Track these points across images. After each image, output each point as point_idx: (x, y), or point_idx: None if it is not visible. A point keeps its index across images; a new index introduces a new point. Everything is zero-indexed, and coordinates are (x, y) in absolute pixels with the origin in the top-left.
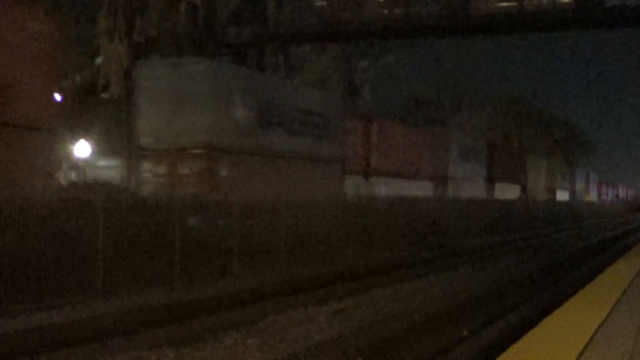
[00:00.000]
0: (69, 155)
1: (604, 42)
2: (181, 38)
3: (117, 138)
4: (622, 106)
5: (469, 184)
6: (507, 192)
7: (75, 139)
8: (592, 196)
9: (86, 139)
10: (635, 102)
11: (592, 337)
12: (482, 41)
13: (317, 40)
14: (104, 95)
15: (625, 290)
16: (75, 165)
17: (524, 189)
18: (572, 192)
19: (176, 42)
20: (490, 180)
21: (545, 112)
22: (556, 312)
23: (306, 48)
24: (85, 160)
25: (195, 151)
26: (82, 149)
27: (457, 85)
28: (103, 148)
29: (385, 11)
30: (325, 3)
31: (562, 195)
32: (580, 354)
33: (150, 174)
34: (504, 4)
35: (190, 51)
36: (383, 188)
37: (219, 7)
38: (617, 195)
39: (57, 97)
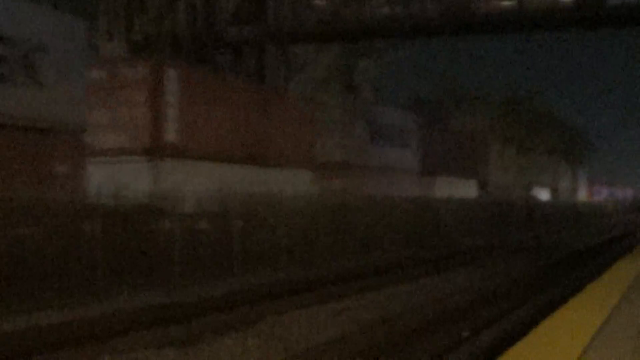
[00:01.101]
0: None
1: (605, 42)
2: (180, 37)
3: None
4: (626, 107)
5: (392, 177)
6: (455, 188)
7: None
8: (581, 196)
9: None
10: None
11: (593, 337)
12: (482, 41)
13: (317, 39)
14: None
15: (626, 291)
16: None
17: (483, 185)
18: (554, 191)
19: (175, 41)
20: (429, 173)
21: (543, 110)
22: (557, 312)
23: (306, 47)
24: None
25: None
26: None
27: (457, 84)
28: None
29: (386, 10)
30: (325, 2)
31: (540, 194)
32: (581, 355)
33: None
34: (505, 3)
35: (189, 50)
36: (189, 177)
37: (218, 6)
38: (613, 195)
39: None
